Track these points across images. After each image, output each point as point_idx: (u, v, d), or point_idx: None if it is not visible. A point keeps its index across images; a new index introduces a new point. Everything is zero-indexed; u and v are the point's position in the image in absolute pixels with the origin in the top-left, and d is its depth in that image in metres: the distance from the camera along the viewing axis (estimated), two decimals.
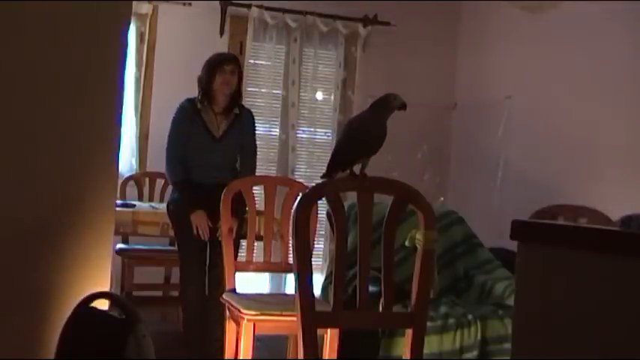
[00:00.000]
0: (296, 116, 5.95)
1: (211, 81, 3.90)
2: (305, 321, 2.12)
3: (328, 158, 2.36)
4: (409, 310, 2.33)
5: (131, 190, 5.28)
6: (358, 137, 2.32)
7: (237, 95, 4.00)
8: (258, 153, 4.06)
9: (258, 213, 3.56)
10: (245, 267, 3.44)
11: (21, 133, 2.52)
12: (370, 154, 2.30)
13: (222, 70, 3.91)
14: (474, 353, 3.56)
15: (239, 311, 3.00)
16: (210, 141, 3.90)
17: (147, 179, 5.43)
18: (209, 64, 3.96)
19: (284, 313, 2.96)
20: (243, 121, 4.00)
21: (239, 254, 3.90)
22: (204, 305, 3.80)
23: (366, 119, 2.35)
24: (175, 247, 4.29)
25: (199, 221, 3.76)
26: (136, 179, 5.38)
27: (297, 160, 5.99)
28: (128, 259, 4.91)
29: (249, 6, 5.81)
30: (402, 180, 2.37)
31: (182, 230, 3.87)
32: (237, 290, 3.27)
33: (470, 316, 3.62)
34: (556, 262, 1.44)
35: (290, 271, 2.81)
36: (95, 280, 2.58)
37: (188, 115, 3.90)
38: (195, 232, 3.76)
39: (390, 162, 4.84)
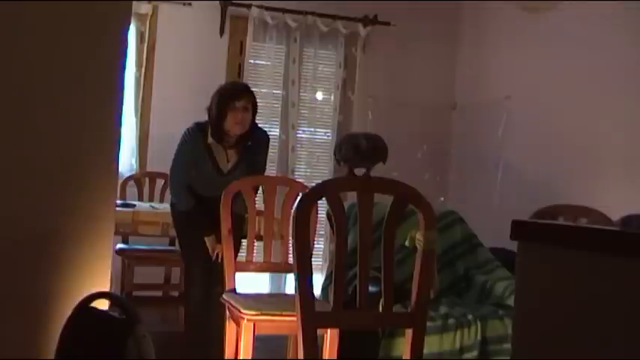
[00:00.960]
0: (296, 116, 5.95)
1: (222, 118, 3.66)
2: (305, 321, 2.12)
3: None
4: (409, 310, 2.34)
5: (131, 190, 5.29)
6: (364, 153, 2.33)
7: (251, 130, 3.76)
8: None
9: (258, 213, 3.55)
10: (245, 267, 3.43)
11: (21, 134, 2.51)
12: (374, 164, 2.32)
13: (234, 109, 3.66)
14: (474, 353, 3.56)
15: (239, 311, 3.00)
16: (216, 175, 3.75)
17: (147, 179, 5.43)
18: (219, 97, 3.69)
19: (284, 313, 2.96)
20: (255, 146, 3.81)
21: (239, 254, 3.89)
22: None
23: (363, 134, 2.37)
24: (176, 247, 4.29)
25: (213, 245, 3.72)
26: (136, 179, 5.38)
27: (297, 160, 5.98)
28: (128, 259, 4.91)
29: (249, 6, 5.81)
30: (402, 180, 2.37)
31: (187, 232, 3.84)
32: (237, 290, 3.28)
33: (470, 316, 3.62)
34: (556, 262, 1.44)
35: (290, 271, 2.80)
36: (95, 280, 2.58)
37: (196, 144, 3.73)
38: (211, 253, 3.72)
39: (390, 162, 4.83)
